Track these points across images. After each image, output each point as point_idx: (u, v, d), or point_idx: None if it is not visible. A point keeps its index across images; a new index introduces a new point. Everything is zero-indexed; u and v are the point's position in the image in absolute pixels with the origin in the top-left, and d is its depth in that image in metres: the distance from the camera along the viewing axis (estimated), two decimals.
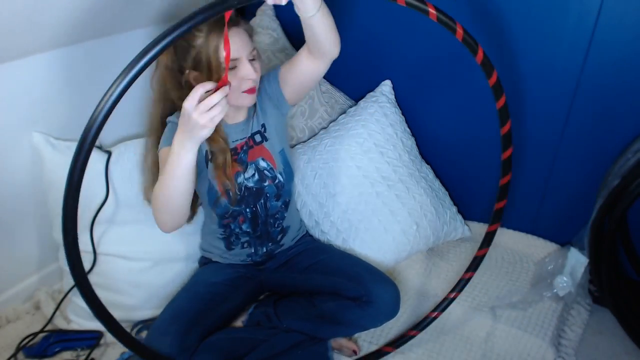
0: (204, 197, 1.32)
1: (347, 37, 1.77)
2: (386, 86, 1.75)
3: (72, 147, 1.40)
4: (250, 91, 1.19)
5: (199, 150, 1.15)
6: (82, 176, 0.80)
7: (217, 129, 1.23)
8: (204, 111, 0.98)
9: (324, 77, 1.70)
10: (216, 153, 1.24)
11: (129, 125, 1.62)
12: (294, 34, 1.87)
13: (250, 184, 1.31)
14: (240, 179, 1.30)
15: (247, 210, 1.33)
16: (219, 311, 1.31)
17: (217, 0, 0.82)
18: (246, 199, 1.31)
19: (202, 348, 1.21)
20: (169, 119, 1.27)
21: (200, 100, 0.99)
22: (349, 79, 1.80)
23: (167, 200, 1.11)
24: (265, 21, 1.82)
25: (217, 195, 1.29)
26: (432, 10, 1.00)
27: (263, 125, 1.32)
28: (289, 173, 1.35)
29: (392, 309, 1.29)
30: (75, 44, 1.43)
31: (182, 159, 1.05)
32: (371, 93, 1.76)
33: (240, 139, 1.30)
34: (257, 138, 1.31)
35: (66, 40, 1.39)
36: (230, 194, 1.27)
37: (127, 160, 1.42)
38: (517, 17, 1.45)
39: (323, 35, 1.10)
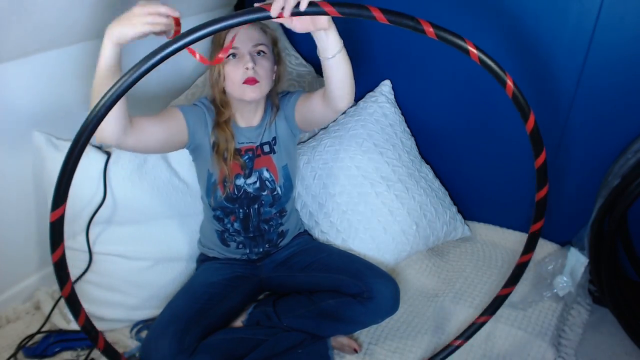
0: (203, 184, 1.36)
1: (347, 36, 1.78)
2: (386, 86, 1.75)
3: None
4: (248, 81, 1.20)
5: (205, 136, 1.26)
6: (72, 178, 0.82)
7: (226, 125, 1.28)
8: (145, 12, 0.94)
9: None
10: (220, 141, 1.28)
11: None
12: (294, 34, 1.87)
13: (250, 190, 1.34)
14: (240, 182, 1.33)
15: (240, 210, 1.36)
16: (218, 311, 1.31)
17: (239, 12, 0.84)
18: (241, 200, 1.35)
19: (202, 348, 1.21)
20: (203, 100, 1.33)
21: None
22: None
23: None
24: (265, 21, 1.82)
25: (214, 184, 1.32)
26: (472, 49, 0.88)
27: (274, 139, 1.35)
28: (288, 187, 1.39)
29: (392, 305, 1.30)
30: (75, 44, 1.43)
31: (102, 49, 0.99)
32: (370, 93, 1.76)
33: (247, 143, 1.33)
34: (266, 149, 1.35)
35: (66, 40, 1.39)
36: (226, 184, 1.30)
37: (128, 161, 1.41)
38: (517, 17, 1.45)
39: (339, 81, 1.09)
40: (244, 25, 1.20)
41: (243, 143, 1.33)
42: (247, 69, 1.19)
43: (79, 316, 0.93)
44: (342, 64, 1.06)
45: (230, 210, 1.36)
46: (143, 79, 0.80)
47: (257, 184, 1.34)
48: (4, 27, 1.17)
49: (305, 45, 1.89)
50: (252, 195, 1.35)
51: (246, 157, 1.33)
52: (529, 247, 1.17)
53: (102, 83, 0.96)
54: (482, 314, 1.28)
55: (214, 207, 1.36)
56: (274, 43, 1.30)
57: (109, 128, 1.03)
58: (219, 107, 1.29)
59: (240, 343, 1.28)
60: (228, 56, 1.21)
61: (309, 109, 1.26)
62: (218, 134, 1.29)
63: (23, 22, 1.21)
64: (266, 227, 1.40)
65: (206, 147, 1.30)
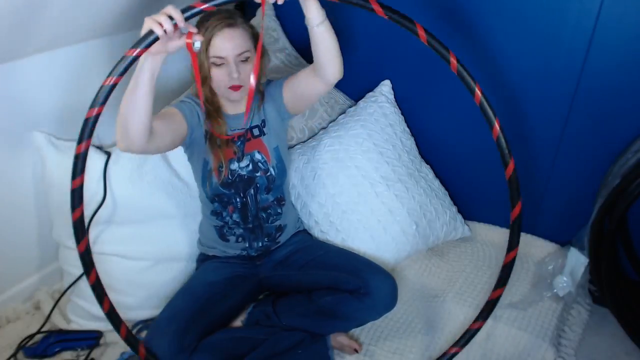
0: (198, 174, 1.38)
1: (347, 37, 1.78)
2: (385, 86, 1.75)
3: (73, 146, 1.41)
4: (233, 88, 1.26)
5: (199, 127, 1.31)
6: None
7: (217, 113, 1.33)
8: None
9: None
10: (214, 128, 1.32)
11: None
12: (294, 34, 1.87)
13: (244, 172, 1.37)
14: (234, 166, 1.36)
15: (237, 199, 1.37)
16: (218, 310, 1.32)
17: None
18: (236, 184, 1.37)
19: (202, 348, 1.21)
20: (189, 96, 1.37)
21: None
22: (349, 79, 1.79)
23: (125, 111, 1.08)
24: (265, 21, 1.82)
25: (209, 171, 1.34)
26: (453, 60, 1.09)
27: (263, 121, 1.39)
28: (282, 169, 1.40)
29: (390, 301, 1.31)
30: (76, 44, 1.43)
31: (140, 69, 1.04)
32: (370, 93, 1.76)
33: (239, 129, 1.37)
34: (255, 132, 1.38)
35: (66, 40, 1.39)
36: (221, 169, 1.33)
37: (128, 161, 1.42)
38: (517, 17, 1.45)
39: (324, 49, 1.19)
40: (229, 31, 1.23)
41: (234, 130, 1.36)
42: (233, 78, 1.24)
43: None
44: (326, 34, 1.17)
45: (227, 198, 1.37)
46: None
47: (250, 167, 1.37)
48: (4, 27, 1.18)
49: (301, 39, 1.89)
50: (246, 177, 1.37)
51: (238, 142, 1.36)
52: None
53: (139, 90, 1.04)
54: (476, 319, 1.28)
55: (211, 197, 1.37)
56: (256, 39, 1.30)
57: (140, 137, 1.08)
58: (209, 97, 1.32)
59: (240, 342, 1.29)
60: (219, 64, 1.25)
61: (299, 84, 1.32)
62: (211, 122, 1.32)
63: (23, 22, 1.21)
64: (264, 216, 1.41)
65: (200, 138, 1.33)
